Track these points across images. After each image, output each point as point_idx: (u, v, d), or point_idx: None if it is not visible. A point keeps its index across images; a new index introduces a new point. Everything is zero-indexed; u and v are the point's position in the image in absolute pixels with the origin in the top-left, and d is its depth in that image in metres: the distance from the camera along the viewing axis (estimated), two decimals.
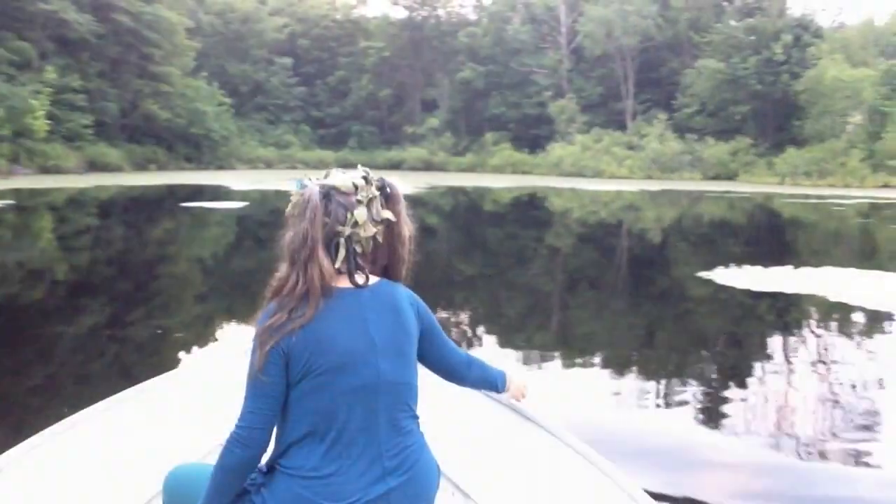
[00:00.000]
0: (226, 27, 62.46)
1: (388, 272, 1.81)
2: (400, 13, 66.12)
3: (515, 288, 9.48)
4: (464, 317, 7.54)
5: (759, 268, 10.20)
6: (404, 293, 1.82)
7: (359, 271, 1.72)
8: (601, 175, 46.45)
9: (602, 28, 52.64)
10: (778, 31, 47.06)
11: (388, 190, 1.77)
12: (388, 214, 1.75)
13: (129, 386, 2.71)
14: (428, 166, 56.31)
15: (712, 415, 4.48)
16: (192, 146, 49.66)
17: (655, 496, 2.19)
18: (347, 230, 1.70)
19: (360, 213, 1.70)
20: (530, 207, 25.57)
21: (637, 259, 12.88)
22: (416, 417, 1.81)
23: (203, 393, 2.86)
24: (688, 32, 52.46)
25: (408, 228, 1.82)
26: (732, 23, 50.38)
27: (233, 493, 1.68)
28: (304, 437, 1.66)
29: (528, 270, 10.96)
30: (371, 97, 65.79)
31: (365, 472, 1.66)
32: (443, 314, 7.21)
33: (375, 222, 1.73)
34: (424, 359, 1.94)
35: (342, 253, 1.70)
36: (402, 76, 65.52)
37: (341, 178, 1.73)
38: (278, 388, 1.65)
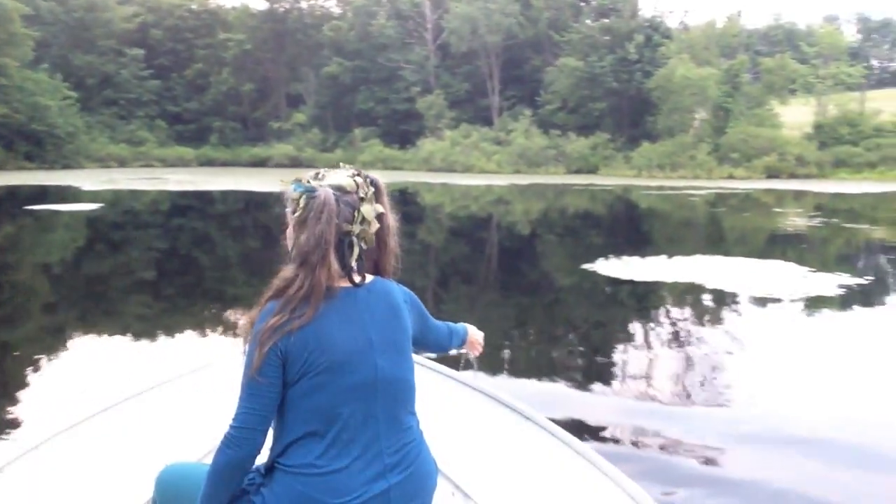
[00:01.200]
0: (68, 15, 57.81)
1: (378, 266, 1.83)
2: (260, 4, 64.01)
3: None
4: None
5: (626, 258, 10.64)
6: (398, 290, 1.86)
7: (359, 270, 1.75)
8: (471, 170, 47.17)
9: (467, 25, 53.45)
10: (631, 32, 49.70)
11: (375, 184, 1.80)
12: (381, 209, 1.79)
13: None
14: (295, 163, 54.91)
15: (590, 379, 4.92)
16: (34, 144, 45.60)
17: (656, 497, 2.19)
18: (357, 228, 1.73)
19: (367, 211, 1.74)
20: (402, 203, 25.33)
21: (507, 251, 13.10)
22: (414, 414, 1.83)
23: (200, 395, 2.85)
24: (548, 31, 54.29)
25: (394, 220, 1.86)
26: (589, 23, 52.73)
27: (229, 494, 1.67)
28: (304, 436, 1.66)
29: (400, 266, 10.82)
30: (232, 91, 63.20)
31: (365, 468, 1.67)
32: None
33: (376, 218, 1.77)
34: (419, 345, 1.98)
35: (356, 251, 1.73)
36: (266, 70, 63.45)
37: (341, 178, 1.75)
38: (274, 389, 1.64)
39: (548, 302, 8.33)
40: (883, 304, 8.13)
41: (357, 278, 1.74)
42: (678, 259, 10.64)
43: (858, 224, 17.62)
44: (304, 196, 1.72)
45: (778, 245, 13.61)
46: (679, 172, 42.38)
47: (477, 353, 2.38)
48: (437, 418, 2.65)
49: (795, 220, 18.29)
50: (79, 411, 2.49)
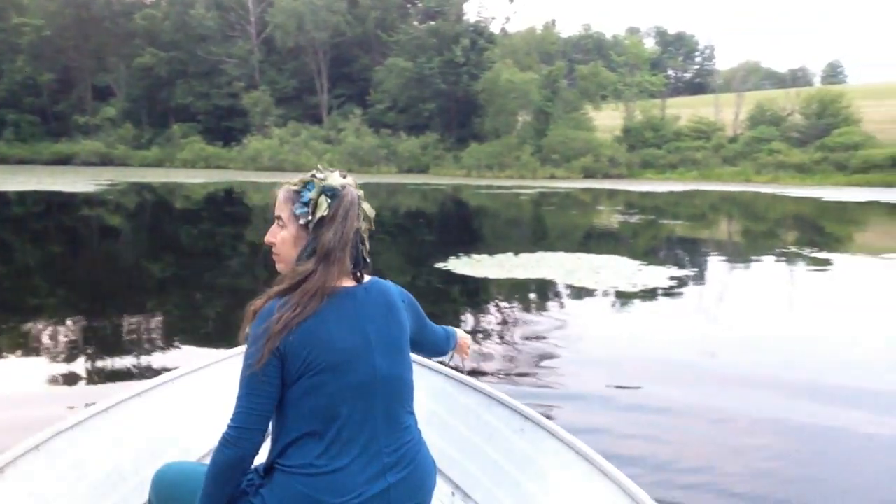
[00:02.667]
0: None
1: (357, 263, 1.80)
2: None
3: (214, 289, 8.60)
4: (155, 324, 6.54)
5: (475, 256, 10.60)
6: (395, 290, 1.85)
7: (365, 266, 1.78)
8: (301, 169, 44.97)
9: (293, 20, 52.05)
10: (457, 35, 50.86)
11: None
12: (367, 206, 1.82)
13: None
14: (106, 161, 50.64)
15: None
16: None
17: (657, 497, 2.09)
18: (364, 225, 1.79)
19: (367, 208, 1.80)
20: (227, 203, 24.16)
21: None
22: (413, 413, 1.81)
23: (199, 395, 2.83)
24: (376, 31, 54.25)
25: None
26: (416, 24, 53.33)
27: (228, 494, 1.65)
28: (304, 436, 1.64)
29: (228, 269, 10.10)
30: (29, 82, 57.07)
31: (365, 468, 1.66)
32: (134, 321, 6.23)
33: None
34: (417, 346, 1.96)
35: (367, 246, 1.80)
36: (68, 59, 57.82)
37: (338, 178, 1.76)
38: (273, 389, 1.63)
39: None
40: (687, 288, 8.67)
41: (361, 276, 1.77)
42: (525, 256, 10.83)
43: (665, 220, 19.06)
44: (322, 196, 1.72)
45: (601, 240, 14.31)
46: (506, 172, 43.98)
47: (466, 357, 2.36)
48: (436, 418, 2.74)
49: (617, 217, 19.43)
50: (78, 412, 2.43)
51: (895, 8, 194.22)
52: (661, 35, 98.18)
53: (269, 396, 1.63)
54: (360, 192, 1.79)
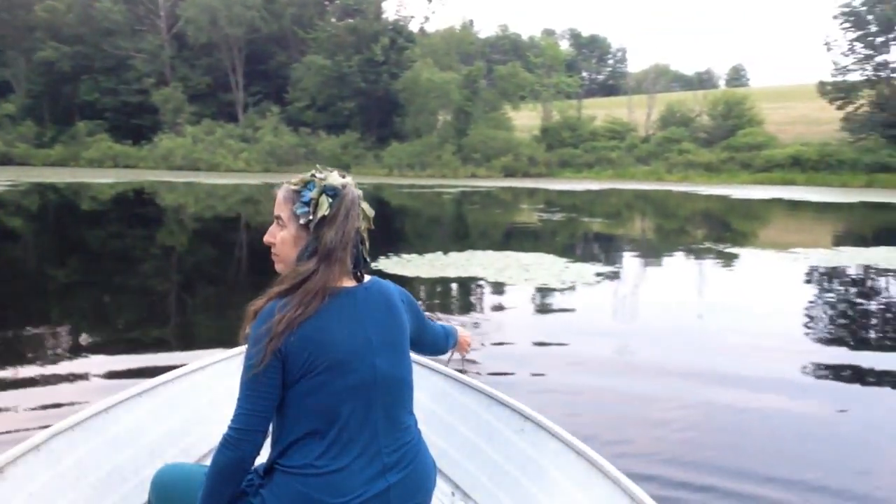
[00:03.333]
0: None
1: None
2: None
3: (125, 292, 8.21)
4: (63, 331, 6.19)
5: (406, 256, 10.53)
6: (395, 289, 1.84)
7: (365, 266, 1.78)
8: (217, 168, 44.68)
9: (205, 15, 50.44)
10: (376, 34, 50.52)
11: None
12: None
13: None
14: (5, 160, 47.79)
15: None
16: None
17: (659, 498, 2.06)
18: (363, 224, 1.79)
19: (367, 207, 1.80)
20: (138, 204, 23.19)
21: (259, 253, 12.38)
22: (412, 413, 1.81)
23: (200, 395, 2.82)
24: (293, 27, 53.25)
25: None
26: (334, 21, 52.66)
27: (229, 495, 1.65)
28: (304, 437, 1.64)
29: (139, 272, 9.68)
30: None
31: (365, 468, 1.65)
32: (38, 330, 5.84)
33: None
34: (417, 346, 1.96)
35: (367, 246, 1.80)
36: None
37: (337, 177, 1.75)
38: (274, 390, 1.62)
39: None
40: (605, 279, 8.90)
41: (362, 276, 1.77)
42: (454, 255, 10.86)
43: (584, 217, 19.52)
44: (323, 195, 1.71)
45: (523, 238, 14.49)
46: (428, 171, 44.03)
47: (466, 354, 2.37)
48: (436, 418, 2.73)
49: (538, 215, 19.73)
50: (78, 412, 2.41)
51: (792, 14, 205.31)
52: (575, 37, 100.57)
53: (270, 398, 1.62)
54: (360, 192, 1.79)
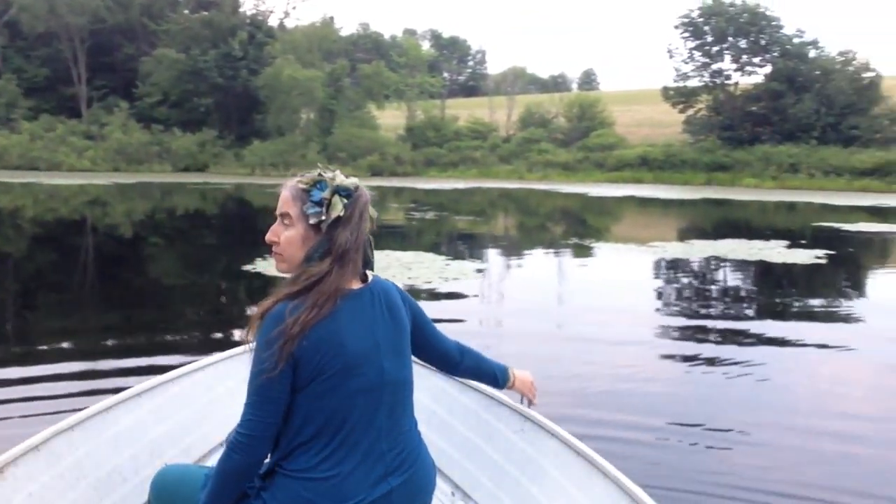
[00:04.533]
0: None
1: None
2: None
3: None
4: None
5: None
6: (394, 288, 1.81)
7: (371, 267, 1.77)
8: (59, 168, 41.24)
9: (43, 3, 46.46)
10: (234, 27, 48.66)
11: None
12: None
13: None
14: None
15: None
16: None
17: (658, 498, 2.04)
18: (368, 226, 1.74)
19: (372, 210, 1.76)
20: None
21: (107, 257, 11.57)
22: (413, 415, 1.80)
23: (200, 395, 2.80)
24: (141, 18, 50.19)
25: None
26: (188, 13, 50.17)
27: (233, 498, 1.63)
28: (310, 440, 1.61)
29: None
30: None
31: (368, 472, 1.64)
32: None
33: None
34: (417, 350, 1.90)
35: (373, 248, 1.76)
36: None
37: (342, 178, 1.72)
38: (285, 395, 1.59)
39: (158, 304, 7.44)
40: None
41: (369, 275, 1.76)
42: None
43: (453, 216, 19.76)
44: (336, 196, 1.67)
45: (392, 237, 14.41)
46: (292, 171, 42.55)
47: (532, 399, 2.26)
48: (436, 418, 2.72)
49: (410, 214, 19.74)
50: (78, 412, 2.38)
51: (637, 22, 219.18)
52: (436, 38, 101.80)
53: (280, 403, 1.59)
54: (372, 193, 1.78)
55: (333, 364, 1.59)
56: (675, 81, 49.22)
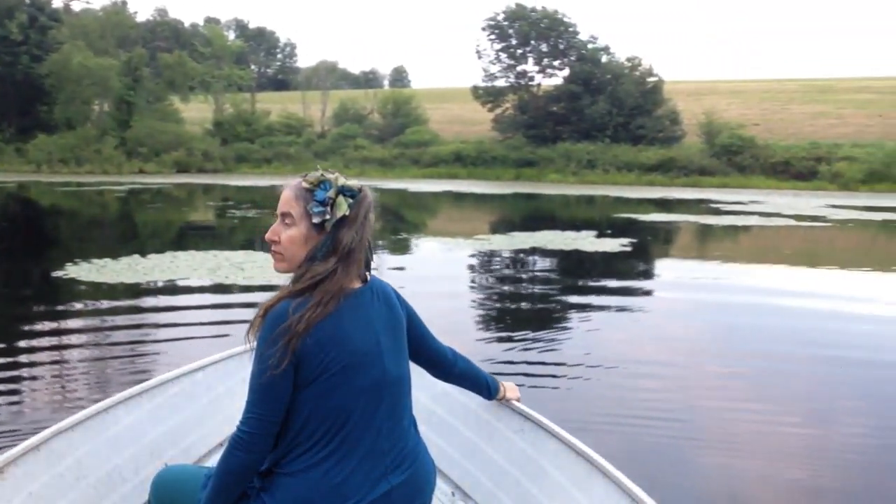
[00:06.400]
0: None
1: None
2: None
3: None
4: None
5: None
6: (391, 288, 1.83)
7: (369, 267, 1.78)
8: None
9: None
10: (10, 9, 43.47)
11: None
12: None
13: None
14: None
15: None
16: None
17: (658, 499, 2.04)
18: (371, 226, 1.77)
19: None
20: None
21: None
22: (412, 415, 1.80)
23: (200, 395, 2.81)
24: None
25: None
26: None
27: (234, 497, 1.64)
28: (311, 439, 1.62)
29: None
30: None
31: (369, 471, 1.64)
32: None
33: None
34: (411, 351, 1.88)
35: (372, 247, 1.78)
36: None
37: (344, 178, 1.74)
38: (287, 394, 1.60)
39: None
40: None
41: (369, 275, 1.76)
42: (155, 257, 9.99)
43: (267, 213, 19.05)
44: (341, 196, 1.68)
45: (204, 236, 13.64)
46: (86, 167, 39.27)
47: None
48: (436, 418, 2.73)
49: (228, 213, 18.75)
50: (78, 412, 2.34)
51: (448, 22, 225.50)
52: (241, 28, 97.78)
53: (282, 402, 1.59)
54: (376, 194, 1.80)
55: (337, 362, 1.61)
56: (484, 81, 51.22)
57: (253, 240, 13.04)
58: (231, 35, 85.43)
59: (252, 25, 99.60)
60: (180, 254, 10.44)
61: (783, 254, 12.96)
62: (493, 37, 50.67)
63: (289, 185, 1.73)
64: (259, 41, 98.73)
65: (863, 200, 28.51)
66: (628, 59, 48.41)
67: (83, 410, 2.37)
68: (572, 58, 48.97)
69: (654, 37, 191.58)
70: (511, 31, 49.91)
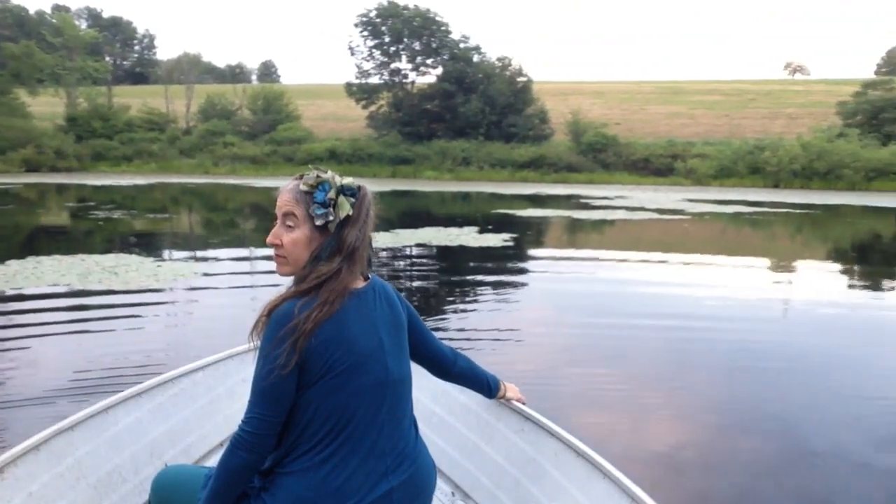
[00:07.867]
0: None
1: None
2: None
3: None
4: None
5: None
6: (391, 287, 1.84)
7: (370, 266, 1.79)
8: None
9: None
10: None
11: None
12: None
13: None
14: None
15: None
16: None
17: (658, 499, 2.00)
18: (372, 223, 1.78)
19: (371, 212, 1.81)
20: None
21: None
22: (412, 414, 1.81)
23: (200, 395, 2.82)
24: None
25: None
26: None
27: (234, 497, 1.63)
28: (314, 438, 1.61)
29: None
30: None
31: (369, 471, 1.64)
32: None
33: None
34: (412, 351, 1.89)
35: (373, 246, 1.78)
36: None
37: (341, 178, 1.73)
38: (291, 394, 1.60)
39: None
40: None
41: (369, 274, 1.77)
42: (16, 263, 9.15)
43: (129, 213, 17.92)
44: (341, 196, 1.68)
45: (59, 240, 12.63)
46: None
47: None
48: (436, 418, 2.75)
49: (90, 214, 17.46)
50: (78, 412, 2.33)
51: (318, 16, 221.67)
52: (94, 18, 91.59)
53: (286, 402, 1.58)
54: (373, 192, 1.80)
55: (342, 362, 1.60)
56: (358, 78, 50.86)
57: (126, 242, 12.22)
58: (83, 25, 79.77)
59: (106, 15, 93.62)
60: (44, 258, 9.60)
61: (648, 243, 13.73)
62: (366, 33, 50.43)
63: (286, 188, 1.70)
64: (114, 32, 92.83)
65: (714, 194, 30.79)
66: (499, 59, 49.65)
67: (83, 410, 2.35)
68: (445, 56, 49.59)
69: (521, 37, 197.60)
70: (384, 28, 49.84)
